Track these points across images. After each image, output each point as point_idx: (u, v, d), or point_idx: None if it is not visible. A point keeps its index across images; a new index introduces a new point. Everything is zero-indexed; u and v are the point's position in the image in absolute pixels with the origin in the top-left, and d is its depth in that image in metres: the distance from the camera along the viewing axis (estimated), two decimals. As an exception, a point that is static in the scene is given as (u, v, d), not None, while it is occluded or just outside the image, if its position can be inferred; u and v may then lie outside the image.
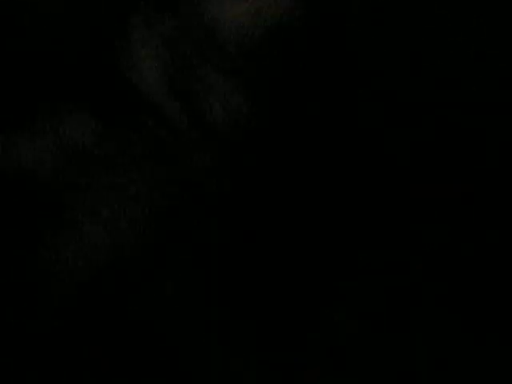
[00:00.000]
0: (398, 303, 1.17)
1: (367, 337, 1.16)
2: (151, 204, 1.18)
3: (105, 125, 1.20)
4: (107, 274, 1.15)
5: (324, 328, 1.16)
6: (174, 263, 1.16)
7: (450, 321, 1.16)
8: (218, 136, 1.19)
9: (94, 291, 1.15)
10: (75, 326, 1.14)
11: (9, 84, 1.21)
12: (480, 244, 1.17)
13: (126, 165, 1.19)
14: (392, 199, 1.19)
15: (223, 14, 1.21)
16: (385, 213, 1.18)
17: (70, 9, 1.23)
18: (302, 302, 1.17)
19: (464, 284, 1.17)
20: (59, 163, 1.19)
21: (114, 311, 1.15)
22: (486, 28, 1.18)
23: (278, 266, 1.17)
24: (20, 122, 1.20)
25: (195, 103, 1.20)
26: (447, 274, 1.17)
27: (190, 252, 1.17)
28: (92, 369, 1.14)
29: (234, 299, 1.16)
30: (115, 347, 1.14)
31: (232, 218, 1.18)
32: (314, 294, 1.17)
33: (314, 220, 1.18)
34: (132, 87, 1.21)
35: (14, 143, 1.19)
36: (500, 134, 1.18)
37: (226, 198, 1.18)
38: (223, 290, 1.16)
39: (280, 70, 1.19)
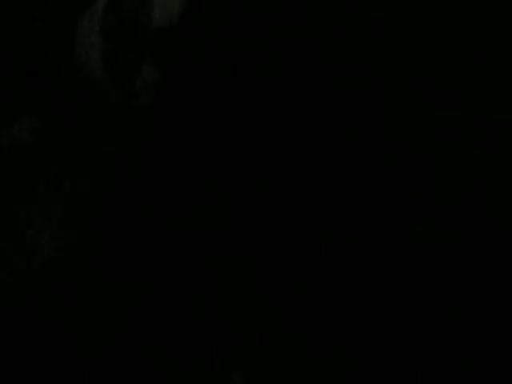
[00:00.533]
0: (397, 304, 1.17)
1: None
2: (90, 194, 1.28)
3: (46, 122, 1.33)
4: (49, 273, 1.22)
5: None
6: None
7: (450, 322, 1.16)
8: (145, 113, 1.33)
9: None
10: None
11: None
12: (479, 247, 1.16)
13: (65, 157, 1.30)
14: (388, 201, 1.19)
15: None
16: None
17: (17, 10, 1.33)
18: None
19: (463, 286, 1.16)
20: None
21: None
22: (486, 28, 1.17)
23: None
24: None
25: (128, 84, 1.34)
26: (447, 276, 1.16)
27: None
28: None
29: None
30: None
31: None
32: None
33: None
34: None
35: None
36: (499, 134, 1.16)
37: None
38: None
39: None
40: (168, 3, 1.33)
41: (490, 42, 1.16)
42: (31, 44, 1.35)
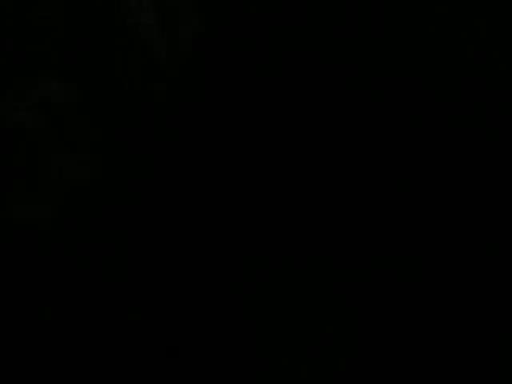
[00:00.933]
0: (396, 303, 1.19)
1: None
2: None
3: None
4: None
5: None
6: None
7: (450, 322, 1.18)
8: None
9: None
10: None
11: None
12: (477, 243, 1.18)
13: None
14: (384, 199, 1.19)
15: None
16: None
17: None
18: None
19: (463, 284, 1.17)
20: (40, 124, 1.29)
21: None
22: (486, 28, 1.17)
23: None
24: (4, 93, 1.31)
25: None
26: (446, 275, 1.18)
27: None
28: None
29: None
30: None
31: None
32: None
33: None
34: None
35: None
36: (499, 133, 1.17)
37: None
38: None
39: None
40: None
41: (490, 42, 1.17)
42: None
